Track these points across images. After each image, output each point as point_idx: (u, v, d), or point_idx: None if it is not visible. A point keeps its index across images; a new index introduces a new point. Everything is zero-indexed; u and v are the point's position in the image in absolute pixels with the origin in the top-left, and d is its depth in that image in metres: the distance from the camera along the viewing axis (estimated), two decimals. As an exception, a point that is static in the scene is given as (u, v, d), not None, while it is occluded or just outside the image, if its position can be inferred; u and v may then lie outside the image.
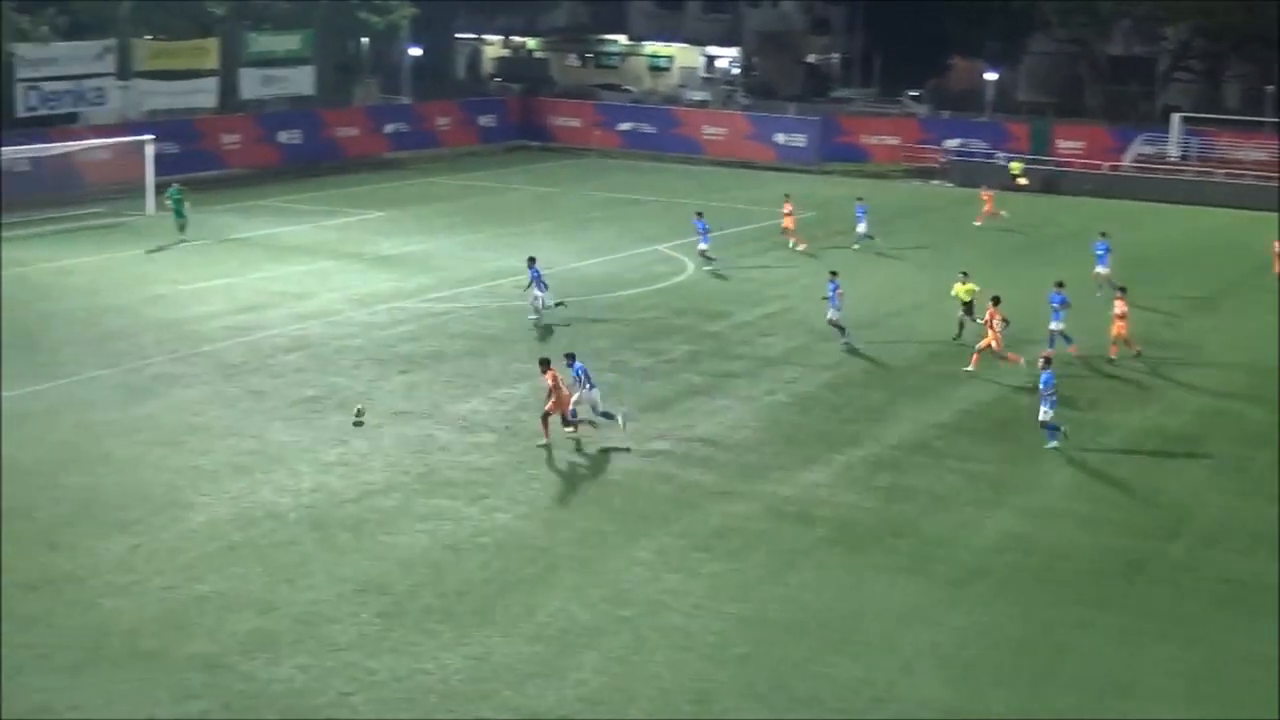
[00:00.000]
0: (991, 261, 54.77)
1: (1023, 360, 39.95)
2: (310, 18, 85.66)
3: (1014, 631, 24.89)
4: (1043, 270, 49.86)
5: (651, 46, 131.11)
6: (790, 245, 57.64)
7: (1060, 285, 42.79)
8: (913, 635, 24.57)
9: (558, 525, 29.01)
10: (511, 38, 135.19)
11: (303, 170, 76.42)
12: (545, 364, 33.94)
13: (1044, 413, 34.17)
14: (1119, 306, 42.09)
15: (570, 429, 34.02)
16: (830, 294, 43.41)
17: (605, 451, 33.31)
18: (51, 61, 68.87)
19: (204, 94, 77.42)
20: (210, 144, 75.11)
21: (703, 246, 54.09)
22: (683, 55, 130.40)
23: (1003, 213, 64.45)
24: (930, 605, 25.80)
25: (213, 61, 77.45)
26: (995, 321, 40.29)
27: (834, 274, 44.35)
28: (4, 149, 60.57)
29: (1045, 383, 33.99)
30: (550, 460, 32.71)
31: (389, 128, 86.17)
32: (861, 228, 58.52)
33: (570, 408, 33.97)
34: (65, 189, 61.20)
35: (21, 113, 67.31)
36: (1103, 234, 51.41)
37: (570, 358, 34.76)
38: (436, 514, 29.31)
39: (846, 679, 23.03)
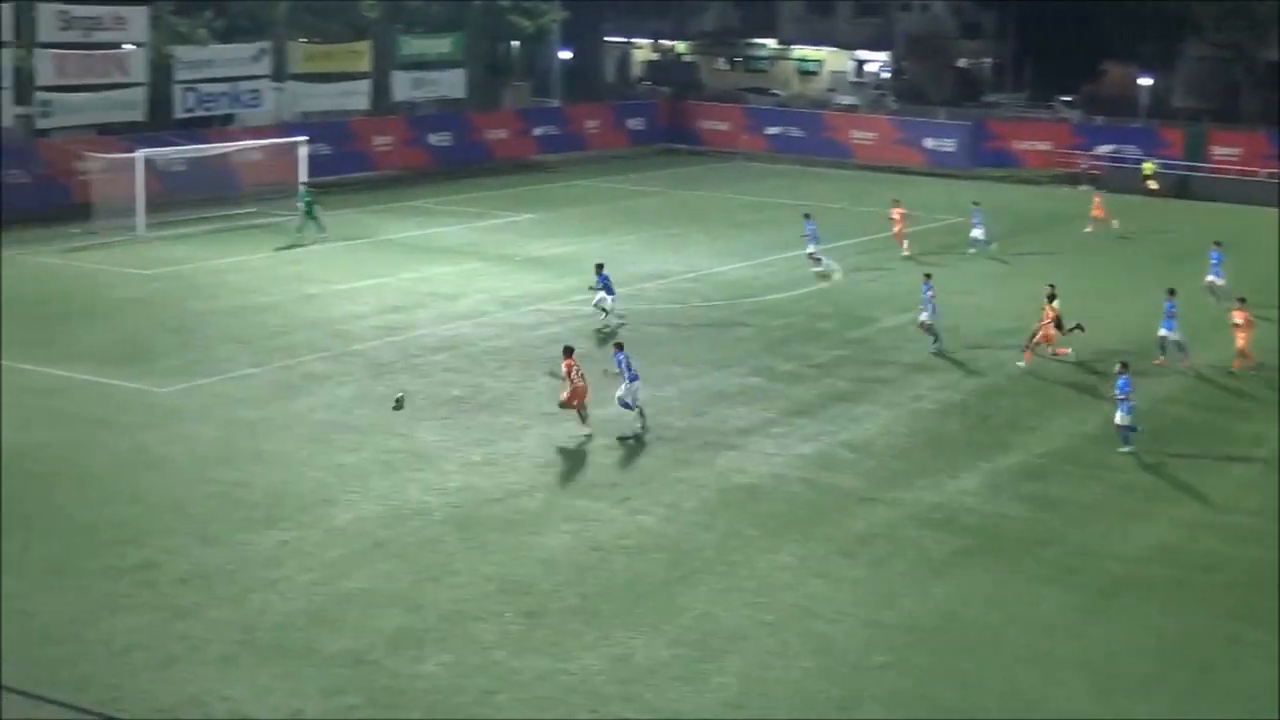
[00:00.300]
0: (1135, 270, 54.08)
1: (1070, 351, 41.25)
2: (462, 21, 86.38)
3: (1161, 644, 24.50)
4: (1174, 279, 49.03)
5: (801, 50, 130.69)
6: (901, 250, 56.91)
7: (1172, 293, 42.13)
8: (1059, 645, 24.27)
9: (701, 528, 29.00)
10: (661, 41, 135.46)
11: (452, 172, 77.02)
12: (568, 352, 34.56)
13: (1120, 417, 34.04)
14: (1238, 318, 41.33)
15: (585, 427, 34.28)
16: (924, 297, 43.15)
17: (747, 455, 33.25)
18: (208, 64, 70.02)
19: (357, 96, 78.31)
20: (362, 145, 75.96)
21: (811, 249, 53.91)
22: (832, 59, 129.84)
23: (1114, 222, 63.38)
24: (1077, 615, 25.47)
25: (365, 64, 78.32)
26: (1049, 320, 40.81)
27: (928, 276, 44.26)
28: (162, 149, 61.72)
29: (1121, 388, 33.88)
30: (694, 463, 32.70)
31: (538, 130, 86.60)
32: (977, 233, 57.88)
33: (619, 397, 34.52)
34: (221, 189, 62.19)
35: (179, 114, 68.51)
36: (1217, 243, 50.46)
37: (619, 347, 35.71)
38: (580, 515, 29.42)
39: (991, 689, 22.81)
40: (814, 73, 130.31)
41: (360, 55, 78.15)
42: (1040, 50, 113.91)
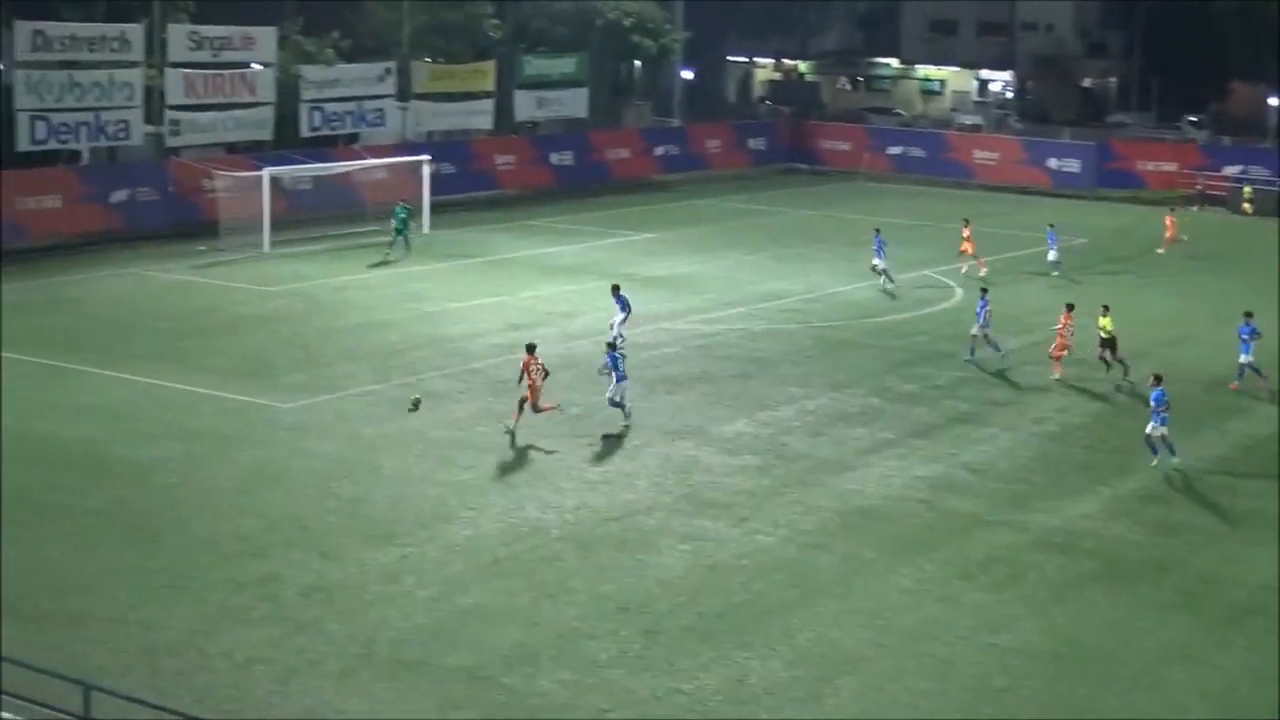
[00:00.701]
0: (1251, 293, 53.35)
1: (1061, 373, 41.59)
2: (585, 41, 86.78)
3: (1289, 674, 24.09)
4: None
5: (923, 70, 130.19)
6: (964, 271, 56.41)
7: (1249, 316, 41.49)
8: (1180, 673, 23.93)
9: (819, 549, 28.88)
10: (783, 61, 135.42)
11: (573, 191, 77.33)
12: (530, 349, 35.71)
13: (1151, 427, 33.95)
14: None
15: (550, 408, 35.67)
16: (979, 309, 43.27)
17: (865, 476, 33.10)
18: (334, 83, 70.80)
19: (480, 115, 78.82)
20: (484, 165, 76.43)
21: (876, 262, 53.84)
22: (955, 79, 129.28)
23: (1184, 237, 62.59)
24: (1199, 643, 25.11)
25: (489, 84, 78.84)
26: (1066, 329, 41.27)
27: (984, 291, 44.57)
28: (287, 168, 62.51)
29: (1156, 399, 33.77)
30: (812, 484, 32.57)
31: (659, 150, 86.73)
32: (1052, 254, 57.55)
33: (609, 396, 36.16)
34: (344, 207, 62.84)
35: (305, 133, 69.32)
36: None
37: (611, 347, 37.15)
38: (698, 535, 29.40)
39: (1112, 715, 22.51)
40: (937, 92, 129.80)
41: (484, 75, 78.68)
42: (1166, 70, 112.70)
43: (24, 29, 58.87)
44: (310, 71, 69.69)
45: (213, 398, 37.87)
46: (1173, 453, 34.01)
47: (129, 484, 31.29)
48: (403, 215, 58.25)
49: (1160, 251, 62.39)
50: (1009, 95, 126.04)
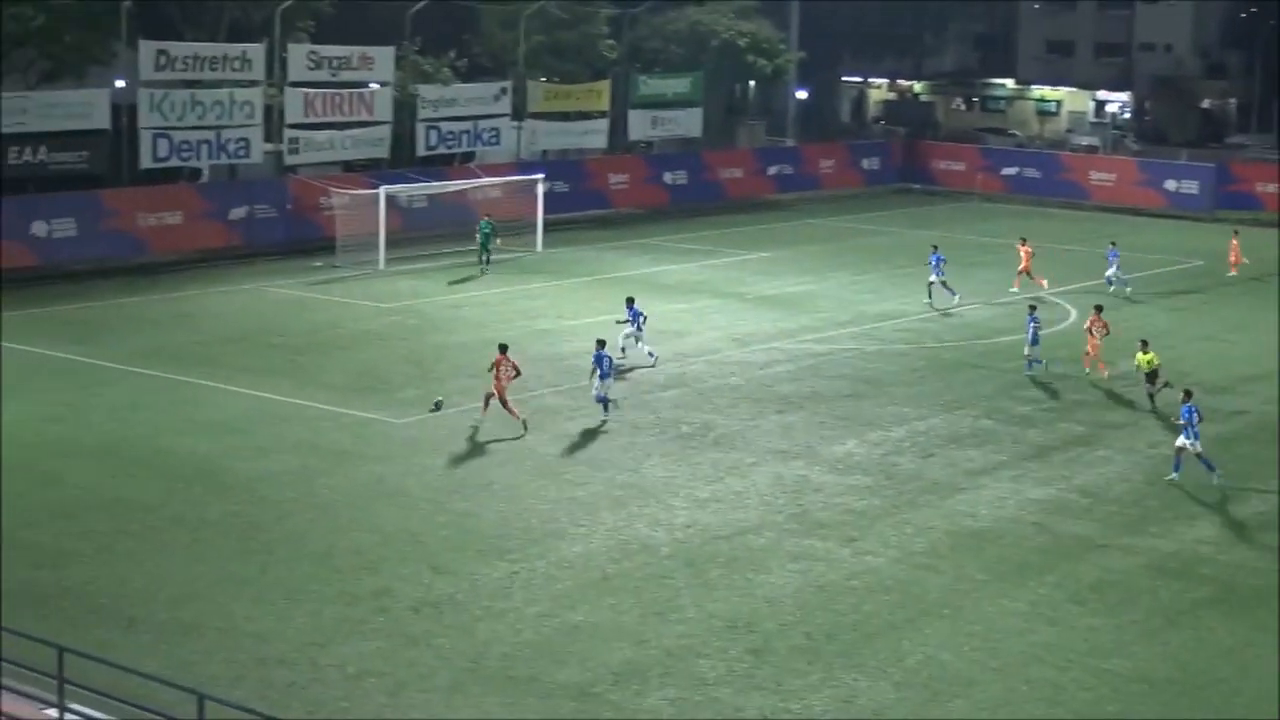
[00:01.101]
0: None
1: (1107, 373, 43.00)
2: (699, 61, 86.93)
3: None
4: None
5: (1039, 90, 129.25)
6: (1016, 288, 56.72)
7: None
8: (1299, 702, 23.58)
9: (929, 571, 28.72)
10: (898, 81, 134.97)
11: (686, 210, 77.40)
12: (503, 349, 37.27)
13: (1181, 441, 34.19)
14: None
15: (516, 414, 37.02)
16: (1028, 327, 44.16)
17: (977, 498, 32.88)
18: (450, 102, 71.35)
19: (594, 135, 79.15)
20: (598, 184, 76.69)
21: (933, 279, 54.04)
22: (1071, 99, 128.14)
23: (1244, 259, 61.70)
24: (1319, 672, 24.71)
25: (604, 104, 79.16)
26: (1096, 328, 42.63)
27: (1033, 308, 45.52)
28: (403, 186, 63.09)
29: (1185, 415, 33.95)
30: (923, 505, 32.41)
31: (772, 169, 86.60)
32: (1111, 271, 57.40)
33: (594, 393, 38.12)
34: (459, 225, 63.30)
35: (422, 151, 69.92)
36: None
37: (600, 344, 38.53)
38: (808, 554, 29.34)
39: (1226, 744, 22.24)
40: (1052, 113, 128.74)
41: (599, 95, 79.01)
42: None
43: (148, 49, 59.85)
44: (427, 91, 70.27)
45: (328, 413, 38.28)
46: (1211, 468, 33.93)
47: (245, 497, 31.70)
48: (487, 229, 58.70)
49: (1233, 274, 61.68)
50: (1126, 116, 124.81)
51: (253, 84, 63.29)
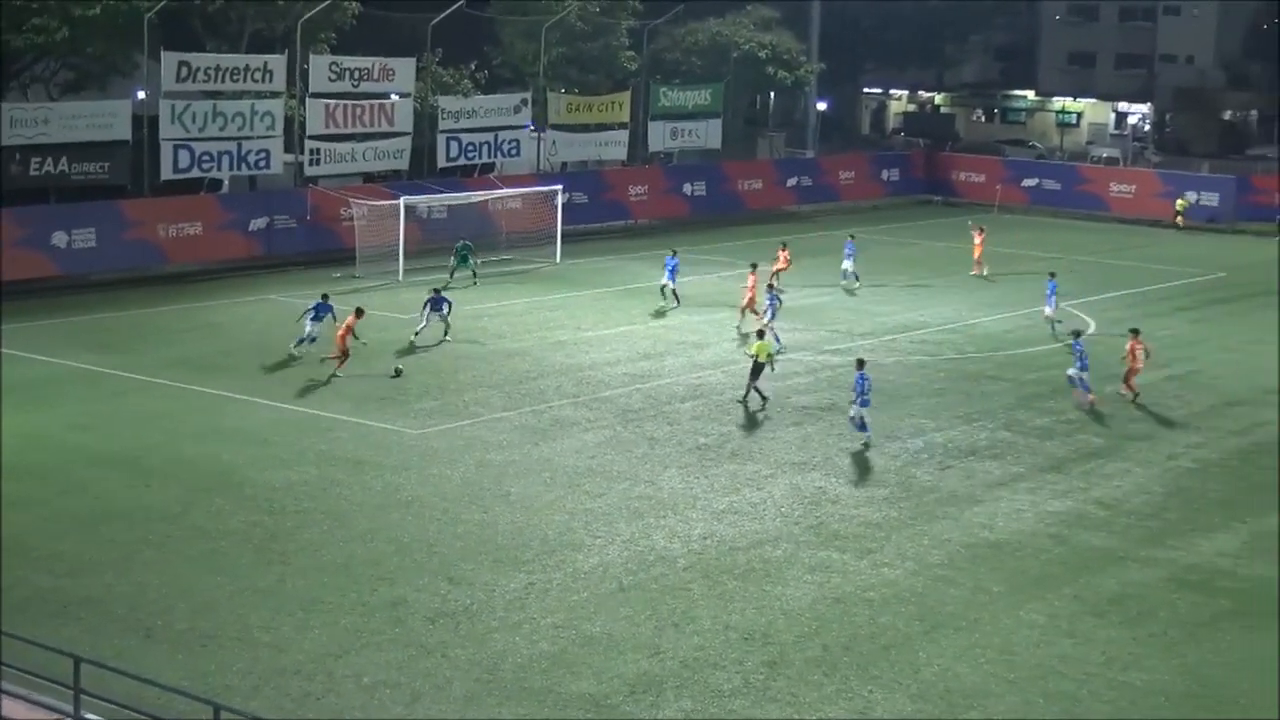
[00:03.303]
0: None
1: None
2: (720, 72, 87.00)
3: None
4: None
5: (1060, 102, 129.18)
6: (978, 273, 59.88)
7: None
8: (1318, 716, 23.49)
9: (946, 583, 28.68)
10: (919, 92, 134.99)
11: (706, 222, 77.46)
12: (358, 312, 42.88)
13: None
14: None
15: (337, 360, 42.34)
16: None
17: (995, 510, 32.84)
18: (471, 113, 71.45)
19: (614, 146, 79.22)
20: (618, 195, 76.74)
21: (848, 264, 58.40)
22: (1092, 111, 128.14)
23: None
24: (1337, 686, 24.62)
25: (624, 115, 79.24)
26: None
27: (1052, 274, 49.56)
28: (423, 197, 63.21)
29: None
30: (941, 517, 32.37)
31: (791, 181, 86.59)
32: (847, 264, 59.97)
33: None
34: (479, 236, 63.41)
35: (442, 162, 70.04)
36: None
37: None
38: (824, 566, 29.31)
39: (1244, 757, 22.16)
40: (1073, 124, 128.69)
41: (619, 106, 79.09)
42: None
43: (170, 60, 59.98)
44: (448, 102, 70.41)
45: (347, 423, 38.34)
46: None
47: (263, 507, 31.76)
48: (464, 252, 58.87)
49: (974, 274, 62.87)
50: (1146, 127, 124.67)
51: (274, 95, 63.45)
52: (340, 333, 42.74)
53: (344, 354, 42.57)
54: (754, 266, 52.91)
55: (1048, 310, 52.21)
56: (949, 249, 71.37)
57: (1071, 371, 41.76)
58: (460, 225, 63.99)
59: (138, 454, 35.30)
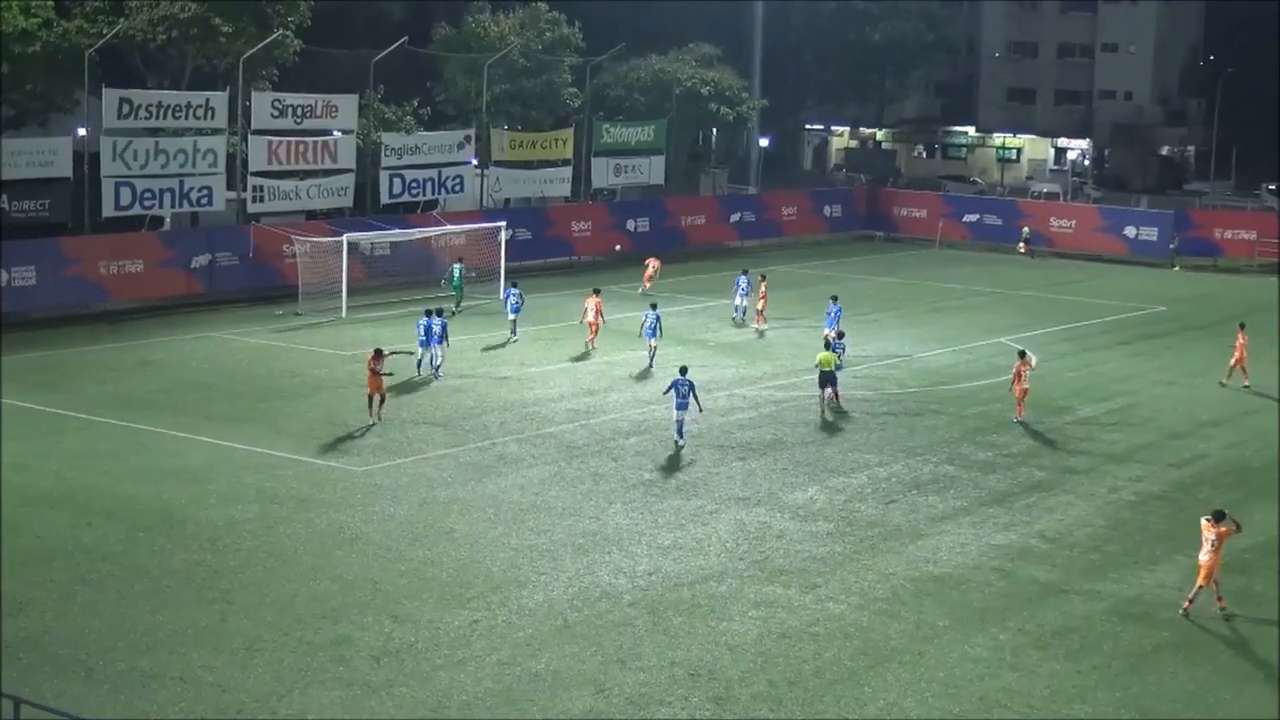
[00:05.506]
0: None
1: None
2: (662, 109, 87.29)
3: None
4: None
5: (1000, 138, 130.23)
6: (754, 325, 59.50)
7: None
8: (1259, 747, 23.64)
9: (890, 617, 28.74)
10: (860, 129, 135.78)
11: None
12: (377, 353, 41.97)
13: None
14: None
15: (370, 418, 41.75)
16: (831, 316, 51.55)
17: (939, 544, 32.94)
18: (414, 150, 71.42)
19: (558, 183, 79.33)
20: (561, 231, 76.81)
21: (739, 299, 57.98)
22: (1031, 147, 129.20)
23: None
24: None
25: (567, 152, 79.36)
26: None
27: (835, 298, 50.82)
28: (366, 234, 63.13)
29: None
30: (885, 551, 32.46)
31: (734, 216, 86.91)
32: (739, 300, 60.52)
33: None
34: (422, 273, 63.34)
35: (386, 199, 69.93)
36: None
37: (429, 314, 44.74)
38: (769, 601, 29.33)
39: (1187, 789, 22.26)
40: (1013, 160, 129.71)
41: (563, 143, 79.20)
42: (1246, 138, 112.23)
43: (111, 96, 59.72)
44: (391, 139, 70.39)
45: (289, 460, 38.17)
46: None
47: (206, 545, 31.55)
48: (457, 279, 59.14)
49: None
50: (1086, 163, 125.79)
51: (216, 131, 63.23)
52: (369, 377, 41.91)
53: (380, 395, 42.09)
54: (763, 277, 60.02)
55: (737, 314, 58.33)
56: (891, 284, 71.75)
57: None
58: (404, 262, 63.95)
59: (77, 493, 35.03)
